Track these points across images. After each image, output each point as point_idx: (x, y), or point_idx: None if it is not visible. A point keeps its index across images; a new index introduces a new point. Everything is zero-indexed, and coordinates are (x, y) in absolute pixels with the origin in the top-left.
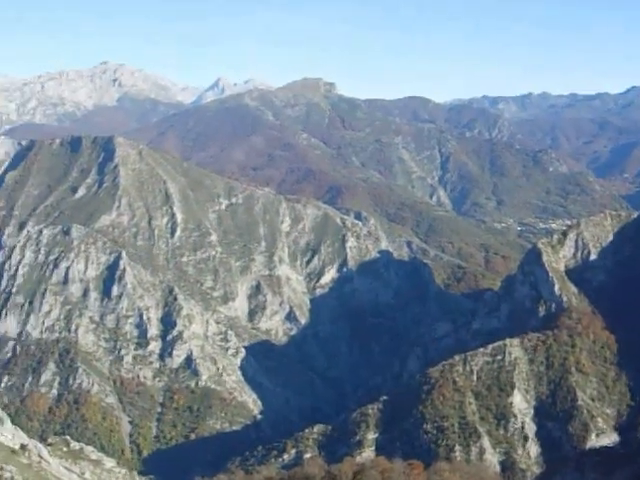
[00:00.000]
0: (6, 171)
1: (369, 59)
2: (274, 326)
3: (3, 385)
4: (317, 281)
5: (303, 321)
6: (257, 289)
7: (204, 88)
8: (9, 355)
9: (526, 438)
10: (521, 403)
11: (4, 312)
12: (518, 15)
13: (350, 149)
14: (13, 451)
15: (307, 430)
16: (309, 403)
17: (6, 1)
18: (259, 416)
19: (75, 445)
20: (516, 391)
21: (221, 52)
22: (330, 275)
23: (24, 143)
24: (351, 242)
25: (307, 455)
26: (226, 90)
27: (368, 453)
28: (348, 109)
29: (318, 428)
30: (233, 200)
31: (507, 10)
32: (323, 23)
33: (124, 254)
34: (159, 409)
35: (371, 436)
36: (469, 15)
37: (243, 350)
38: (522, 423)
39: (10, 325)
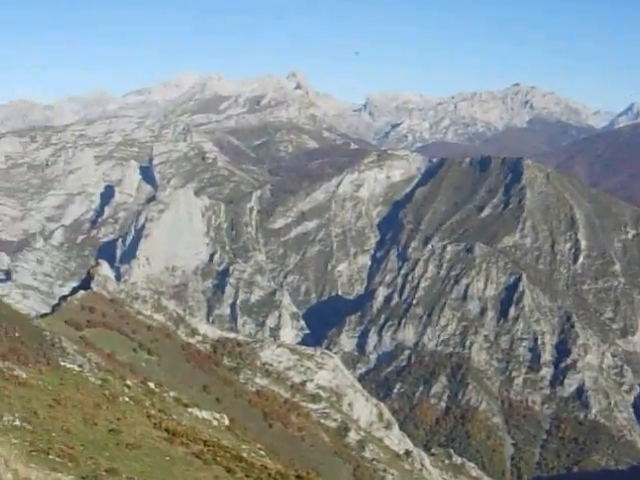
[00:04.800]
0: (416, 186)
1: None
2: None
3: (395, 391)
4: None
5: None
6: None
7: (617, 112)
8: (404, 363)
9: None
10: None
11: (403, 321)
12: None
13: None
14: (397, 455)
15: None
16: None
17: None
18: None
19: (457, 459)
20: None
21: (636, 76)
22: None
23: (434, 160)
24: None
25: None
26: None
27: None
28: None
29: None
30: None
31: None
32: None
33: (524, 276)
34: (544, 436)
35: None
36: None
37: (638, 387)
38: None
39: (408, 334)
